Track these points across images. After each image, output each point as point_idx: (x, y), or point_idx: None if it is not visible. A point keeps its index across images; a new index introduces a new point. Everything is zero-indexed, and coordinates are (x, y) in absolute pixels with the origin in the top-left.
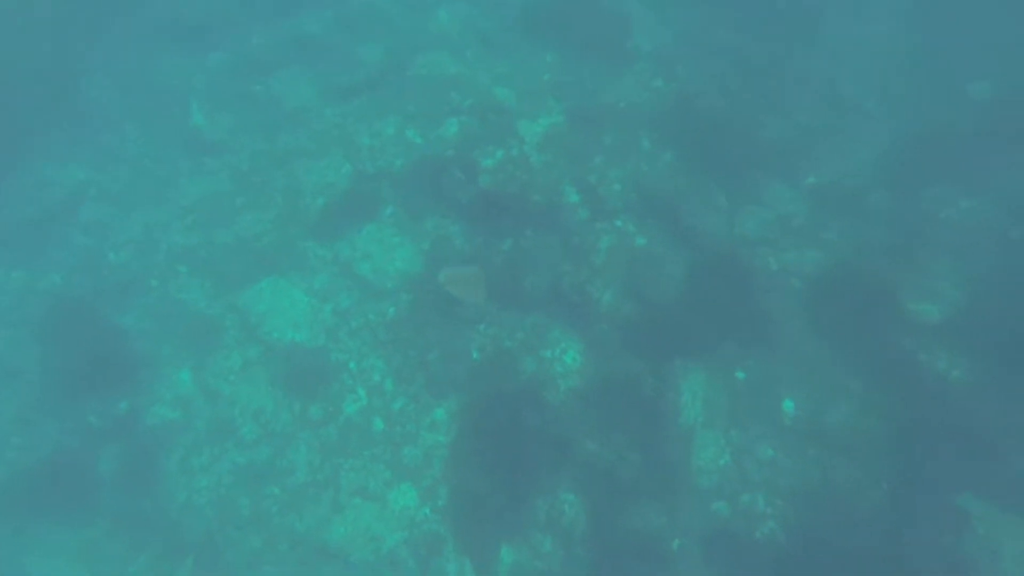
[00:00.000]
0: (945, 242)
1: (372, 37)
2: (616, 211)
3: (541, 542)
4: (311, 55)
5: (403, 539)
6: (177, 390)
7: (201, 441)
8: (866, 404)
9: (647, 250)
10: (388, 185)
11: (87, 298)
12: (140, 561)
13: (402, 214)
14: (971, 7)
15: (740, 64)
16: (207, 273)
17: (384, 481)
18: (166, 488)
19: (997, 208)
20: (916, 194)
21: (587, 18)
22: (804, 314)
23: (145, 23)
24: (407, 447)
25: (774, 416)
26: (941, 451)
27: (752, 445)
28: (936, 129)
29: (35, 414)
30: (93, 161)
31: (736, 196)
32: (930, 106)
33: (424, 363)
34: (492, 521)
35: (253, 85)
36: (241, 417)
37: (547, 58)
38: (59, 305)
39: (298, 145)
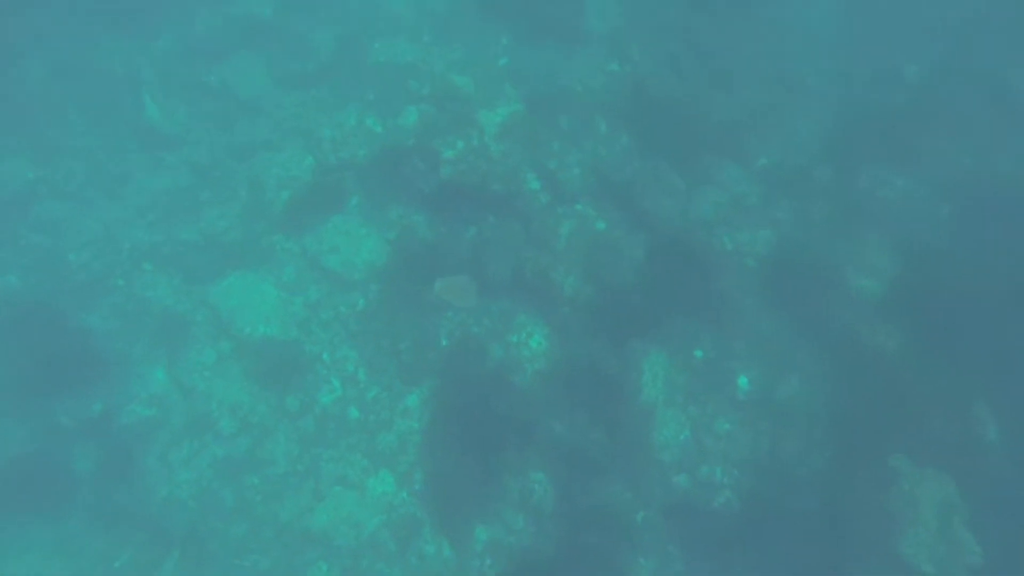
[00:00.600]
0: (883, 219)
1: (324, 20)
2: (576, 196)
3: (514, 519)
4: (263, 41)
5: (383, 523)
6: (152, 388)
7: (180, 436)
8: (812, 377)
9: (607, 234)
10: (352, 176)
11: (48, 299)
12: (125, 555)
13: (367, 205)
14: None
15: (691, 45)
16: (174, 270)
17: (362, 468)
18: (147, 483)
19: (929, 187)
20: (856, 173)
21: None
22: (757, 292)
23: (77, 3)
24: (382, 434)
25: (730, 392)
26: (877, 417)
27: (710, 420)
28: (874, 109)
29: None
30: (41, 157)
31: (691, 178)
32: (868, 86)
33: (395, 352)
34: (467, 501)
35: (206, 74)
36: (218, 411)
37: (503, 41)
38: (18, 307)
39: (258, 137)
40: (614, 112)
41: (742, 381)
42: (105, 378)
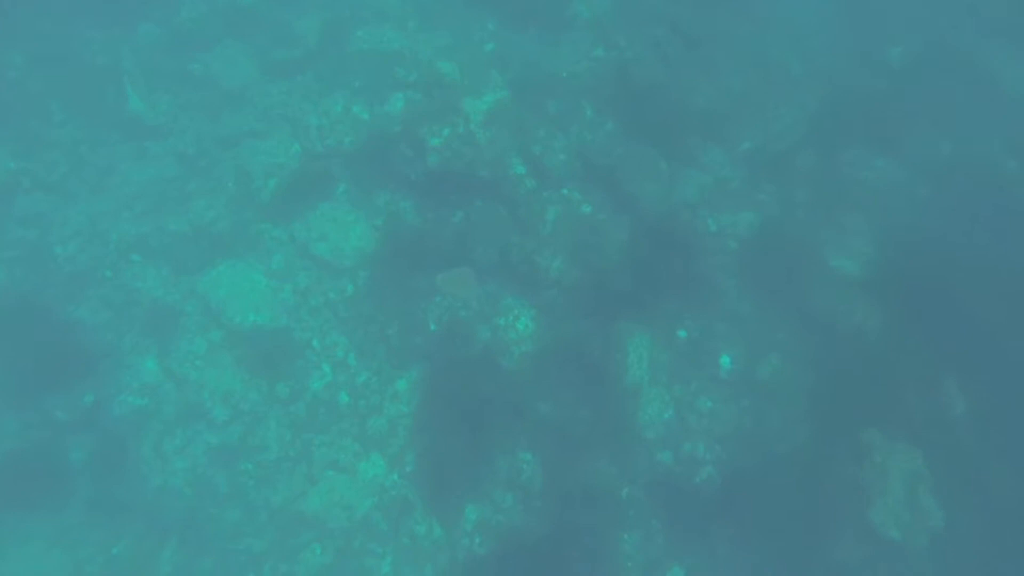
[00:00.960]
0: (862, 202)
1: (309, 7)
2: (561, 180)
3: (502, 498)
4: (247, 27)
5: (375, 504)
6: (143, 378)
7: (173, 425)
8: (792, 355)
9: (592, 217)
10: (339, 163)
11: (36, 292)
12: (123, 543)
13: (354, 191)
14: None
15: (676, 30)
16: (163, 260)
17: (353, 452)
18: (142, 472)
19: (908, 169)
20: (837, 156)
21: None
22: (739, 273)
23: None
24: (373, 418)
25: (712, 371)
26: (853, 394)
27: (693, 399)
28: (856, 93)
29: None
30: (21, 148)
31: (676, 161)
32: (850, 70)
33: (384, 337)
34: (456, 482)
35: (190, 63)
36: (210, 400)
37: (488, 27)
38: (5, 300)
39: (244, 126)
40: (599, 97)
41: (724, 360)
42: (96, 370)
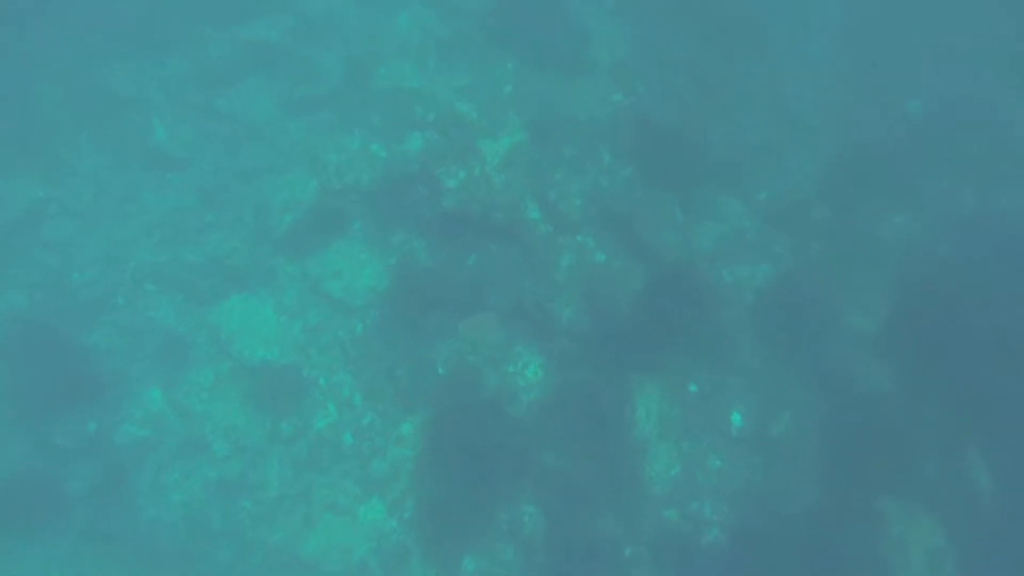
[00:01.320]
0: (880, 257)
1: (332, 45)
2: (577, 226)
3: (503, 551)
4: (272, 65)
5: (371, 550)
6: (147, 408)
7: (173, 458)
8: (805, 415)
9: (606, 266)
10: (355, 201)
11: (52, 318)
12: None
13: (369, 230)
14: (908, 26)
15: (695, 78)
16: (176, 291)
17: (353, 496)
18: (139, 504)
19: (928, 225)
20: (855, 209)
21: (546, 25)
22: (754, 327)
23: (87, 22)
24: (375, 461)
25: (723, 428)
26: (869, 459)
27: (702, 456)
28: (874, 145)
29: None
30: (50, 177)
31: (692, 210)
32: (869, 122)
33: (392, 378)
34: (456, 531)
35: (215, 98)
36: (213, 434)
37: (508, 67)
38: (24, 326)
39: (263, 161)
40: (617, 143)
41: (735, 418)
42: (102, 397)
